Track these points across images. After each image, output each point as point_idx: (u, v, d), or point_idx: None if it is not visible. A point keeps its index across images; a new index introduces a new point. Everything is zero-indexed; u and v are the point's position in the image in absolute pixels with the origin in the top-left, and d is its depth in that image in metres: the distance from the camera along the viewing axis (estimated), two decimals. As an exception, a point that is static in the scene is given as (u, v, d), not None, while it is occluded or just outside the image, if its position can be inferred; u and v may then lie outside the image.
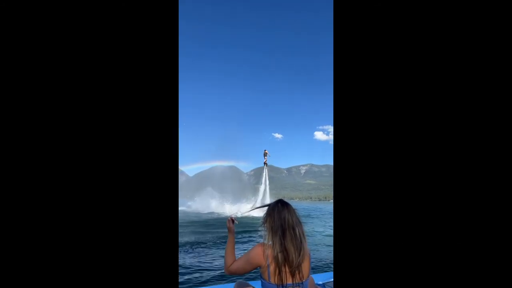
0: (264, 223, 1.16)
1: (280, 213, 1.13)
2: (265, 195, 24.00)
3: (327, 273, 2.66)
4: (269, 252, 1.08)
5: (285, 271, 1.07)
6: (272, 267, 1.07)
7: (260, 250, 1.09)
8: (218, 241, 7.13)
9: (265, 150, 24.49)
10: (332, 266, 0.92)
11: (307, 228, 1.23)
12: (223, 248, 4.27)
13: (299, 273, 1.09)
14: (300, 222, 1.14)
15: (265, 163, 24.71)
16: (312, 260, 1.23)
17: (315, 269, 4.20)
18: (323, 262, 4.79)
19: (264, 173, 24.48)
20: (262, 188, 24.34)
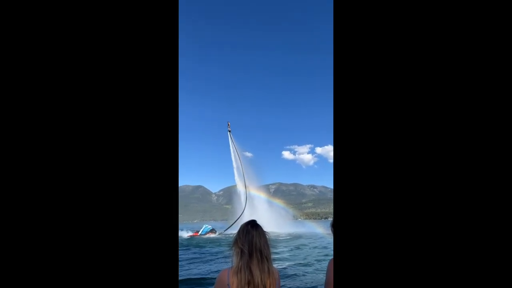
0: (232, 245, 1.17)
1: (248, 235, 1.14)
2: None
3: None
4: (233, 277, 1.08)
5: None
6: None
7: (223, 276, 1.10)
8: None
9: (228, 122, 27.78)
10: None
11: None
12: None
13: None
14: (268, 245, 1.16)
15: (229, 131, 26.72)
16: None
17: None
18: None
19: (232, 145, 26.03)
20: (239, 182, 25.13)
